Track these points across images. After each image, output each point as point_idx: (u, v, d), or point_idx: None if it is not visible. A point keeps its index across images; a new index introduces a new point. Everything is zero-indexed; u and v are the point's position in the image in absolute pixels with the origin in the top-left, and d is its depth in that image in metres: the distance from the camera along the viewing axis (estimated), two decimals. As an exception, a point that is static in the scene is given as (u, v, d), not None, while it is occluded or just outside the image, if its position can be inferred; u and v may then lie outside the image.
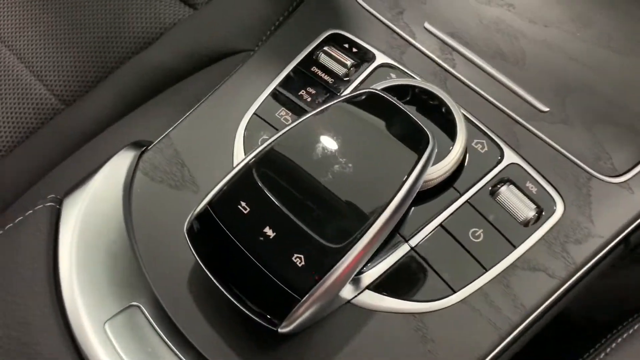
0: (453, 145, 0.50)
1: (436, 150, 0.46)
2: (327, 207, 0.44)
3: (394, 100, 0.47)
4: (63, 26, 0.81)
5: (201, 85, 0.73)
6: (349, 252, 0.43)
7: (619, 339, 0.55)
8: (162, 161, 0.55)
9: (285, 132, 0.46)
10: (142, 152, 0.56)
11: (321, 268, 0.42)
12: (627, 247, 0.53)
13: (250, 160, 0.46)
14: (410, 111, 0.47)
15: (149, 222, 0.52)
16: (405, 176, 0.44)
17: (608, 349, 0.54)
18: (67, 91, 0.79)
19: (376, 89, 0.48)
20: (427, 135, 0.46)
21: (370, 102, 0.48)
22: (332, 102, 0.48)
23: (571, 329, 0.66)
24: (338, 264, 0.42)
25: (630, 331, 0.55)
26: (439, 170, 0.49)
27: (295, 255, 0.43)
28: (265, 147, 0.46)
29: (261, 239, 0.43)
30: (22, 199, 0.72)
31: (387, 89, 0.53)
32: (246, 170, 0.45)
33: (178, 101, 0.72)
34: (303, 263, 0.42)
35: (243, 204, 0.44)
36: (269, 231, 0.43)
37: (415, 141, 0.46)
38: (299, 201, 0.44)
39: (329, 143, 0.45)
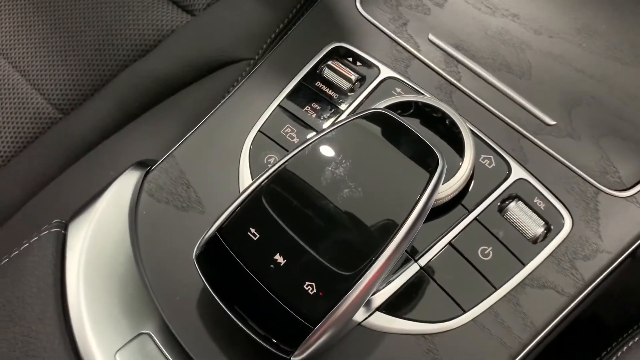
0: (461, 163, 0.50)
1: (446, 169, 0.46)
2: (339, 233, 0.44)
3: (401, 120, 0.47)
4: (59, 34, 0.80)
5: (201, 95, 0.73)
6: (362, 279, 0.42)
7: (625, 347, 0.55)
8: (167, 182, 0.54)
9: (292, 156, 0.46)
10: (147, 173, 0.55)
11: (333, 296, 0.42)
12: (634, 260, 0.53)
13: (259, 185, 0.45)
14: (418, 130, 0.46)
15: (157, 246, 0.52)
16: (416, 199, 0.44)
17: (614, 358, 0.54)
18: (65, 100, 0.78)
19: (383, 109, 0.48)
20: (437, 155, 0.45)
21: (378, 122, 0.47)
22: (339, 124, 0.47)
23: (575, 334, 0.66)
24: (350, 291, 0.42)
25: (636, 339, 0.55)
26: (448, 189, 0.49)
27: (307, 283, 0.42)
28: (274, 171, 0.45)
29: (272, 266, 0.43)
30: (24, 210, 0.71)
31: (393, 106, 0.52)
32: (255, 195, 0.45)
33: (178, 112, 0.71)
34: (315, 291, 0.42)
35: (253, 230, 0.44)
36: (279, 258, 0.43)
37: (425, 161, 0.45)
38: (310, 227, 0.44)
39: (337, 166, 0.45)
